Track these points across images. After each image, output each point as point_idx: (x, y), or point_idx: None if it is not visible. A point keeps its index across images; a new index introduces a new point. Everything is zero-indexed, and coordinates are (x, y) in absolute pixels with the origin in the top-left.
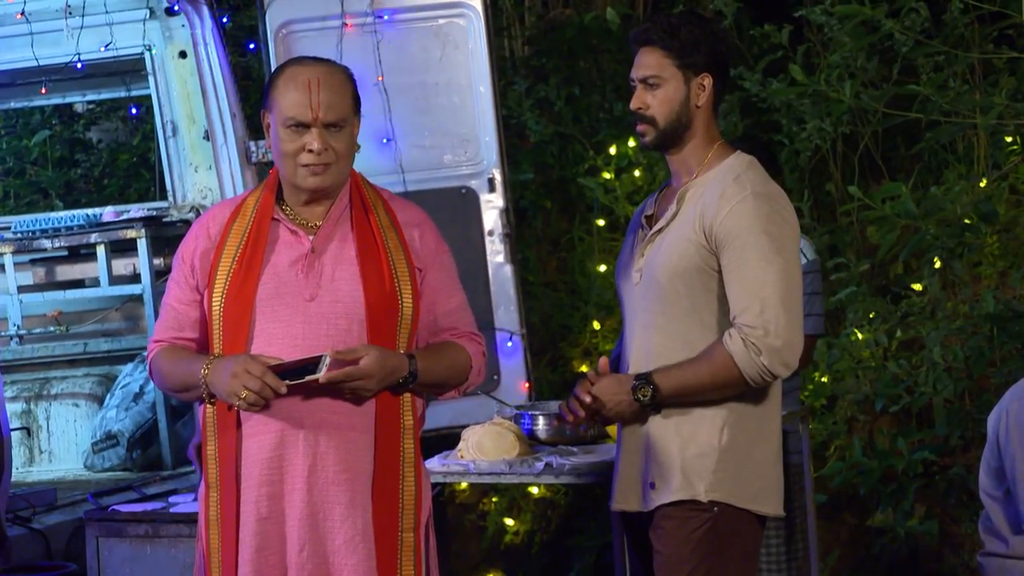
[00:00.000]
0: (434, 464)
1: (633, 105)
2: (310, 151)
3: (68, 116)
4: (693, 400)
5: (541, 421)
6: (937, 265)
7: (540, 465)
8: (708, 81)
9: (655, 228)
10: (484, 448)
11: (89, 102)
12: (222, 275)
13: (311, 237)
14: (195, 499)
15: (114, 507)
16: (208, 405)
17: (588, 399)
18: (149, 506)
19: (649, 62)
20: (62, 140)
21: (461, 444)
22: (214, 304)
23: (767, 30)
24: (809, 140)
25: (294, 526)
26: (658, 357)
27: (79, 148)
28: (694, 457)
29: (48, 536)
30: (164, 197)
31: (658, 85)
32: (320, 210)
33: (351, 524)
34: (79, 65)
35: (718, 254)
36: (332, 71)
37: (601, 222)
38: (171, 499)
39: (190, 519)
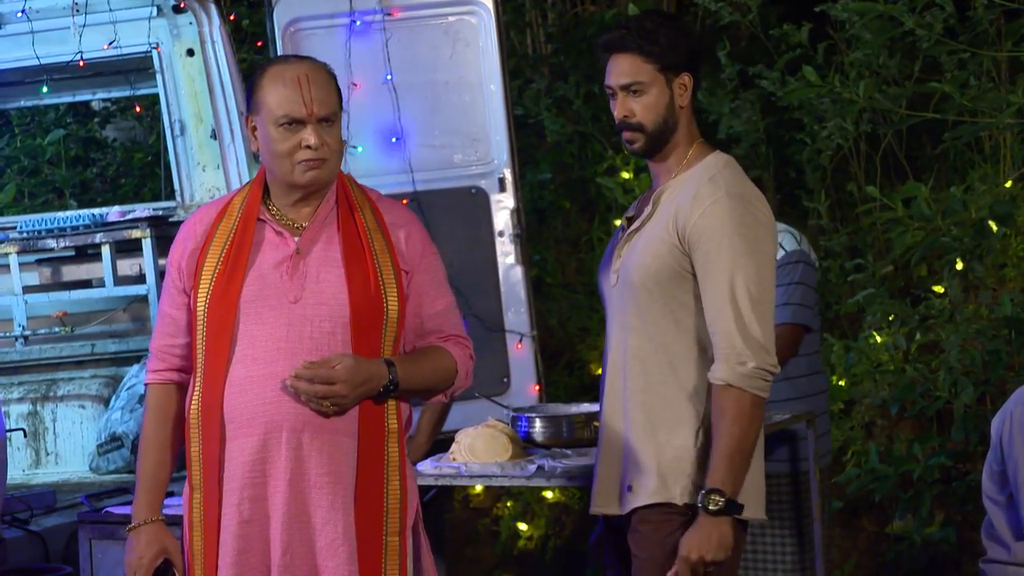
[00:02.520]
0: (426, 467)
1: (619, 114)
2: (308, 147)
3: (83, 114)
4: (748, 455)
5: (538, 424)
6: (959, 267)
7: (532, 468)
8: (688, 80)
9: (631, 228)
10: (476, 450)
11: (104, 100)
12: (207, 276)
13: (296, 238)
14: None
15: (108, 509)
16: (192, 406)
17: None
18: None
19: (629, 68)
20: (77, 139)
21: (453, 447)
22: (198, 305)
23: (786, 29)
24: (830, 139)
25: (277, 529)
26: (634, 359)
27: (94, 147)
28: (671, 460)
29: (46, 538)
30: (172, 197)
31: (642, 91)
32: (307, 211)
33: (332, 527)
34: (81, 63)
35: (691, 255)
36: (317, 67)
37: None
38: (166, 501)
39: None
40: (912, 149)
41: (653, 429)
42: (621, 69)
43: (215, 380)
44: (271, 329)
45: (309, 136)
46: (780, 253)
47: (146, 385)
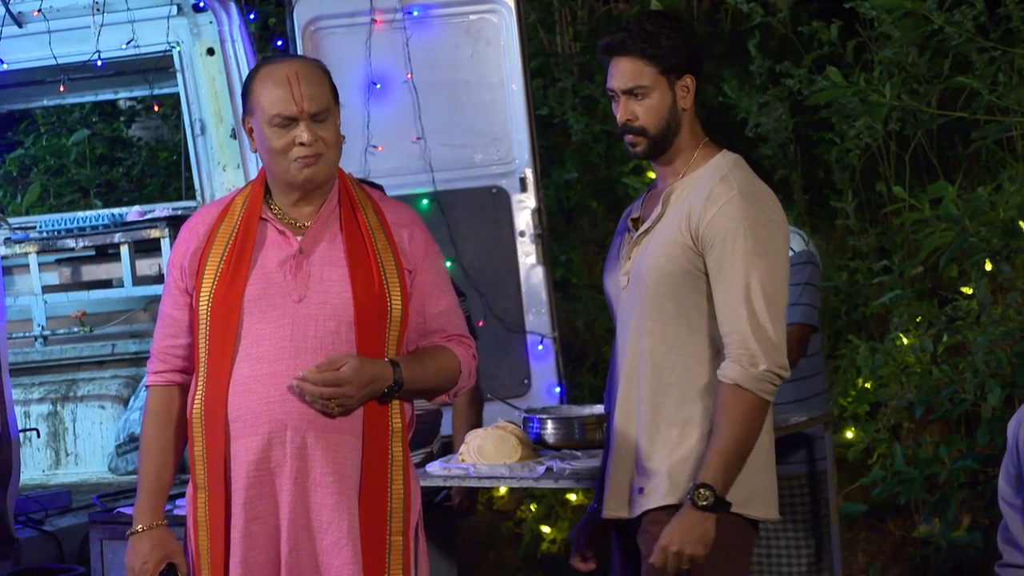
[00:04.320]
0: (435, 468)
1: (621, 118)
2: (301, 144)
3: (109, 114)
4: (744, 457)
5: (549, 425)
6: (988, 268)
7: (541, 469)
8: (691, 82)
9: (641, 230)
10: (485, 452)
11: (130, 99)
12: (209, 276)
13: (299, 238)
14: None
15: (119, 510)
16: (195, 405)
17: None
18: None
19: (631, 72)
20: (102, 138)
21: (463, 448)
22: (201, 305)
23: (815, 27)
24: (859, 138)
25: (284, 527)
26: (647, 362)
27: (119, 146)
28: (680, 462)
29: (60, 539)
30: (193, 196)
31: (644, 95)
32: (309, 210)
33: (336, 526)
34: (99, 63)
35: (704, 255)
36: (307, 64)
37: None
38: (178, 502)
39: None
40: (944, 148)
41: (665, 431)
42: (623, 72)
43: (219, 379)
44: (275, 328)
45: (302, 133)
46: (789, 253)
47: (147, 387)
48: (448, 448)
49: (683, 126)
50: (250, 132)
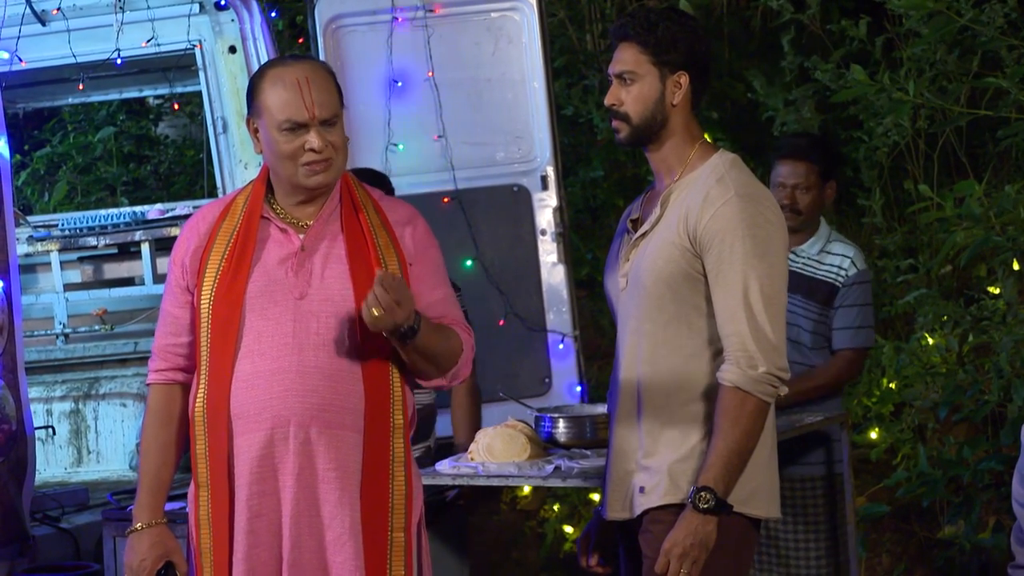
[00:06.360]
0: (444, 466)
1: (607, 101)
2: (311, 150)
3: (137, 112)
4: (745, 459)
5: (560, 424)
6: (1016, 267)
7: (549, 468)
8: (684, 80)
9: (639, 232)
10: (494, 450)
11: (158, 97)
12: (211, 273)
13: (301, 236)
14: None
15: (132, 507)
16: (197, 403)
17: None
18: (168, 506)
19: (625, 57)
20: (130, 136)
21: (472, 446)
22: (202, 302)
23: (844, 24)
24: (887, 136)
25: (287, 523)
26: (647, 364)
27: (146, 144)
28: (681, 461)
29: (77, 536)
30: (215, 194)
31: (633, 81)
32: (311, 209)
33: (339, 522)
34: (119, 61)
35: (702, 257)
36: (317, 68)
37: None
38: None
39: None
40: (973, 147)
41: (667, 431)
42: (618, 57)
43: (221, 376)
44: (277, 325)
45: (313, 139)
46: (853, 271)
47: (148, 385)
48: (446, 447)
49: (672, 122)
50: (255, 133)
